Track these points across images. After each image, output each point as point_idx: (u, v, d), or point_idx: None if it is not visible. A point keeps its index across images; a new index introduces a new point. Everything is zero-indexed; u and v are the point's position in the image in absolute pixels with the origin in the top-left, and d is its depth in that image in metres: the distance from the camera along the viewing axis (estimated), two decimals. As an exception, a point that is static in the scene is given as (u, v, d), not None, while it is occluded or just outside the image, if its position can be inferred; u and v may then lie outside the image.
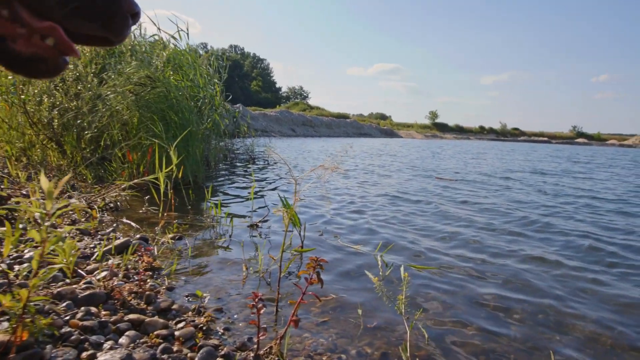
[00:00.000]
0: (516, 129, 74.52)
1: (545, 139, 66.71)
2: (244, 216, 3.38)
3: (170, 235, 2.57)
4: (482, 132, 70.25)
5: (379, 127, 52.54)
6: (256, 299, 1.30)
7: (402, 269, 2.11)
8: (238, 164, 7.61)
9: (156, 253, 2.26)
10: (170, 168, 2.86)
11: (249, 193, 4.33)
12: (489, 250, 2.79)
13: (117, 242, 2.21)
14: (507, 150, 23.21)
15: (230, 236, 2.79)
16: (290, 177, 6.26)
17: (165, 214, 3.12)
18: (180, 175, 3.16)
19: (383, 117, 72.17)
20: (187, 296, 1.77)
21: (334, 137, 36.66)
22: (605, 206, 4.90)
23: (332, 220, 3.49)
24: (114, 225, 2.75)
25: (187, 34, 4.86)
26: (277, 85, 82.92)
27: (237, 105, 22.32)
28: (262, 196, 4.34)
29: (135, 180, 2.86)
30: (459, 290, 2.08)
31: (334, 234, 2.99)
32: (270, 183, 5.51)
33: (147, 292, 1.67)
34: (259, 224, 3.07)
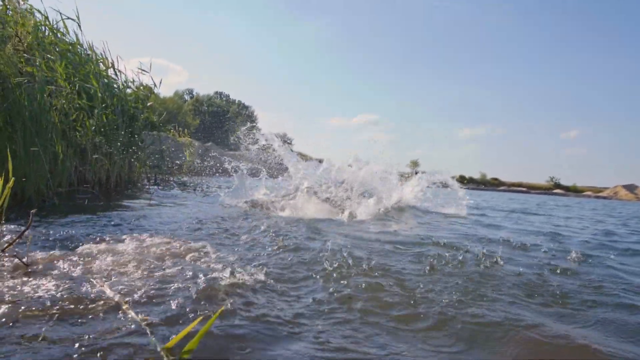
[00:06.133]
0: (495, 179, 75.78)
1: (524, 189, 67.84)
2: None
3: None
4: (463, 182, 71.06)
5: (361, 174, 52.53)
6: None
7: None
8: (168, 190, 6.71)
9: None
10: None
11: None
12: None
13: None
14: (486, 197, 22.87)
15: None
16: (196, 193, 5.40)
17: None
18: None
19: (366, 165, 72.60)
20: None
21: (314, 182, 35.91)
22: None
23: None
24: None
25: (79, 24, 4.24)
26: (262, 132, 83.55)
27: (209, 143, 21.72)
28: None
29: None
30: None
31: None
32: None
33: None
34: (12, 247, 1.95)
